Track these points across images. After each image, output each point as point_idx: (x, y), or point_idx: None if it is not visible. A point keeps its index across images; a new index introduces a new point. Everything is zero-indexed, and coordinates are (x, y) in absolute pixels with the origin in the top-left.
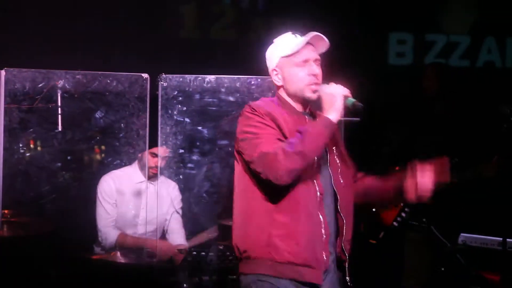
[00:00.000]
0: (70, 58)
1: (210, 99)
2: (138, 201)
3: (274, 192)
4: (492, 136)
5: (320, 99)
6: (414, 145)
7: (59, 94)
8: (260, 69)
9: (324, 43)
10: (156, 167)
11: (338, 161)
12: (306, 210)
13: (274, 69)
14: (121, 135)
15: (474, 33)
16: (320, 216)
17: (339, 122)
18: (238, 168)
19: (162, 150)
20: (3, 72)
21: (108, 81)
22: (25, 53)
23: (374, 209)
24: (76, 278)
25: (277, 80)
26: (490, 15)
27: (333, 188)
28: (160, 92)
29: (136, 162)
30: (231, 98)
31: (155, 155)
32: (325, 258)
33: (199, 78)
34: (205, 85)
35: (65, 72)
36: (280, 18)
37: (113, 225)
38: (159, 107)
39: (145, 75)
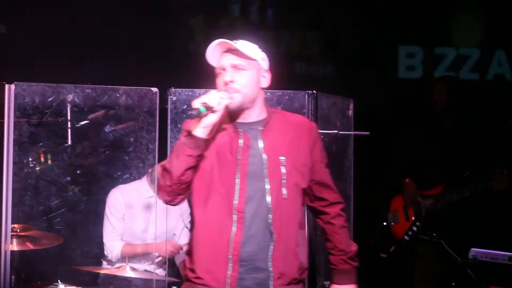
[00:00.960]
0: (79, 72)
1: None
2: (147, 216)
3: (192, 208)
4: (502, 149)
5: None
6: (423, 158)
7: (68, 108)
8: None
9: (229, 46)
10: None
11: (284, 171)
12: (209, 228)
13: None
14: (130, 149)
15: (484, 46)
16: (232, 234)
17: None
18: None
19: None
20: (12, 86)
21: (118, 95)
22: (34, 67)
23: (385, 223)
24: None
25: None
26: (500, 28)
27: (267, 202)
28: (169, 106)
29: (146, 176)
30: None
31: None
32: (229, 278)
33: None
34: None
35: (74, 86)
36: (289, 31)
37: (118, 239)
38: (169, 121)
39: (155, 89)
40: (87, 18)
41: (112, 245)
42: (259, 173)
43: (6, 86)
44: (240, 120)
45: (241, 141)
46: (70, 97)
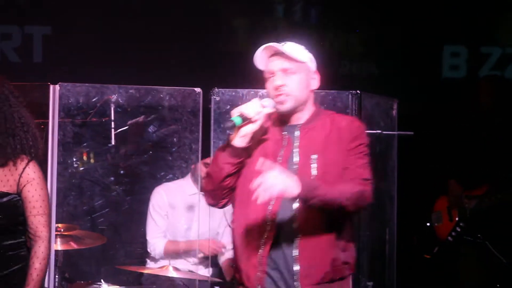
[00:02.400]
0: (123, 72)
1: None
2: (190, 214)
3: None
4: None
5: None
6: (468, 158)
7: (112, 109)
8: None
9: (277, 50)
10: None
11: (315, 173)
12: (244, 230)
13: None
14: (173, 149)
15: None
16: (264, 235)
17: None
18: None
19: None
20: (57, 87)
21: (161, 95)
22: (79, 67)
23: (428, 224)
24: None
25: None
26: None
27: (292, 224)
28: (212, 106)
29: (189, 174)
30: None
31: (208, 165)
32: (258, 275)
33: (252, 92)
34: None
35: (118, 87)
36: (333, 30)
37: (162, 236)
38: (212, 121)
39: (198, 89)
40: (131, 19)
41: (156, 242)
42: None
43: (51, 86)
44: (291, 122)
45: (284, 145)
46: (114, 97)
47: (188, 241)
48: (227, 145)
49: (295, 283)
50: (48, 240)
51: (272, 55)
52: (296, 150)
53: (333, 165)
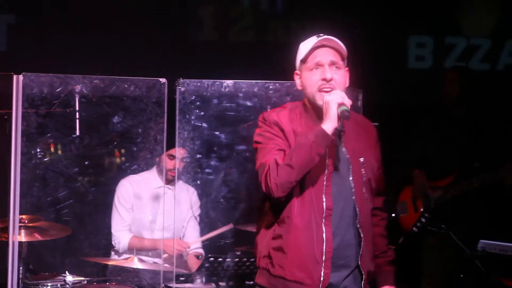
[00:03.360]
0: (87, 62)
1: (228, 104)
2: (155, 206)
3: (277, 203)
4: None
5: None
6: (433, 149)
7: (76, 99)
8: (279, 73)
9: (335, 43)
10: (174, 169)
11: (363, 172)
12: (304, 225)
13: (296, 73)
14: (138, 140)
15: (495, 36)
16: (324, 233)
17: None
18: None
19: (180, 152)
20: (21, 77)
21: (126, 85)
22: (42, 58)
23: (393, 215)
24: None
25: (298, 84)
26: (511, 18)
27: (354, 201)
28: (178, 97)
29: (155, 167)
30: (249, 103)
31: (172, 157)
32: (323, 277)
33: (217, 83)
34: (223, 90)
35: (82, 77)
36: (299, 21)
37: (126, 229)
38: (177, 112)
39: (163, 80)
40: (97, 8)
41: (120, 235)
42: (345, 173)
43: (14, 76)
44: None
45: None
46: (78, 87)
47: (153, 240)
48: (321, 134)
49: (361, 282)
50: None
51: (319, 46)
52: (344, 151)
53: (374, 169)
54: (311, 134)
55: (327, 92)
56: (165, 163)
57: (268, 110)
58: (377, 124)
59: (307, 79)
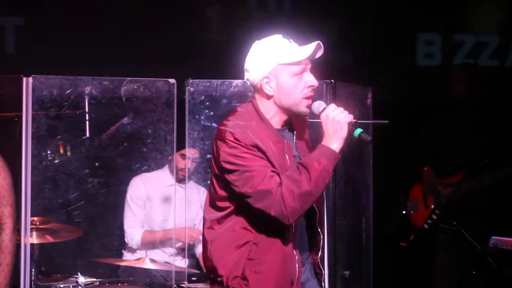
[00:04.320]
0: (97, 64)
1: (238, 104)
2: (167, 205)
3: (255, 224)
4: None
5: (321, 123)
6: (443, 146)
7: (86, 101)
8: None
9: (320, 51)
10: (186, 169)
11: None
12: (281, 247)
13: (266, 76)
14: (148, 140)
15: (503, 33)
16: (294, 252)
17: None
18: (215, 193)
19: (191, 152)
20: (30, 79)
21: (135, 86)
22: (52, 60)
23: (404, 212)
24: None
25: (268, 89)
26: None
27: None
28: (187, 97)
29: (167, 166)
30: None
31: (184, 156)
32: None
33: (226, 83)
34: (232, 89)
35: (92, 79)
36: (307, 20)
37: (139, 226)
38: (186, 112)
39: (172, 80)
40: (105, 10)
41: (133, 231)
42: None
43: (24, 79)
44: (278, 126)
45: (286, 151)
46: (87, 89)
47: (165, 231)
48: (334, 158)
49: (321, 278)
50: (12, 232)
51: (311, 53)
52: (296, 155)
53: None
54: (321, 157)
55: (309, 98)
56: (177, 162)
57: (227, 121)
58: (386, 121)
59: (291, 85)
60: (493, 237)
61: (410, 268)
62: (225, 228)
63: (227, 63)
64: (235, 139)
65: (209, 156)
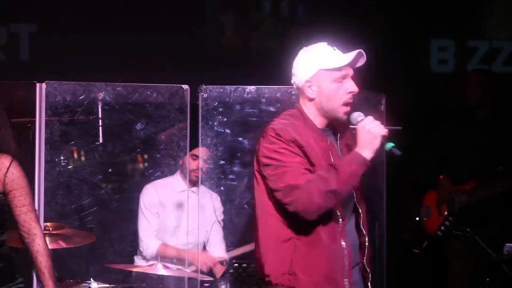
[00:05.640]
0: (110, 70)
1: (251, 110)
2: (180, 211)
3: (297, 220)
4: None
5: (357, 133)
6: (457, 152)
7: (99, 106)
8: None
9: (362, 60)
10: (198, 169)
11: None
12: (327, 240)
13: (309, 81)
14: (161, 146)
15: None
16: (343, 244)
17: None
18: (259, 189)
19: (203, 152)
20: (44, 85)
21: (148, 92)
22: (65, 66)
23: (417, 218)
24: None
25: (310, 92)
26: None
27: (355, 204)
28: (200, 103)
29: (178, 172)
30: (271, 109)
31: (196, 157)
32: (348, 286)
33: (240, 89)
34: (245, 95)
35: (105, 84)
36: (320, 27)
37: (154, 235)
38: (200, 118)
39: (185, 86)
40: (118, 16)
41: (149, 241)
42: None
43: (37, 85)
44: (323, 127)
45: (330, 150)
46: (101, 95)
47: (180, 250)
48: (364, 165)
49: (368, 281)
50: (43, 235)
51: (350, 61)
52: (340, 156)
53: None
54: (352, 162)
55: (349, 105)
56: (188, 163)
57: (272, 121)
58: (399, 128)
59: (332, 91)
60: (507, 244)
61: (423, 275)
62: (268, 226)
63: (240, 69)
64: (276, 134)
65: (222, 162)
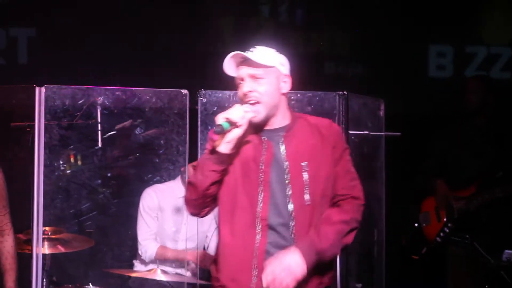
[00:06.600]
0: (109, 74)
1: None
2: (180, 216)
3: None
4: None
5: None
6: (455, 158)
7: (98, 111)
8: (299, 83)
9: (244, 56)
10: None
11: (306, 178)
12: (236, 238)
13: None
14: (160, 151)
15: None
16: (257, 243)
17: None
18: None
19: None
20: (43, 89)
21: (148, 97)
22: (64, 70)
23: (416, 224)
24: None
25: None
26: None
27: (288, 210)
28: (199, 108)
29: (179, 177)
30: None
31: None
32: (253, 285)
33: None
34: None
35: (104, 89)
36: (318, 32)
37: (153, 238)
38: (199, 122)
39: (185, 91)
40: (117, 20)
41: (147, 244)
42: (281, 180)
43: (37, 89)
44: (268, 126)
45: (264, 149)
46: (100, 99)
47: (179, 251)
48: (212, 152)
49: None
50: (14, 237)
51: (241, 62)
52: (283, 156)
53: (322, 171)
54: (205, 153)
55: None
56: (189, 173)
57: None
58: (398, 134)
59: (238, 94)
60: (506, 250)
61: (422, 281)
62: None
63: None
64: None
65: None
